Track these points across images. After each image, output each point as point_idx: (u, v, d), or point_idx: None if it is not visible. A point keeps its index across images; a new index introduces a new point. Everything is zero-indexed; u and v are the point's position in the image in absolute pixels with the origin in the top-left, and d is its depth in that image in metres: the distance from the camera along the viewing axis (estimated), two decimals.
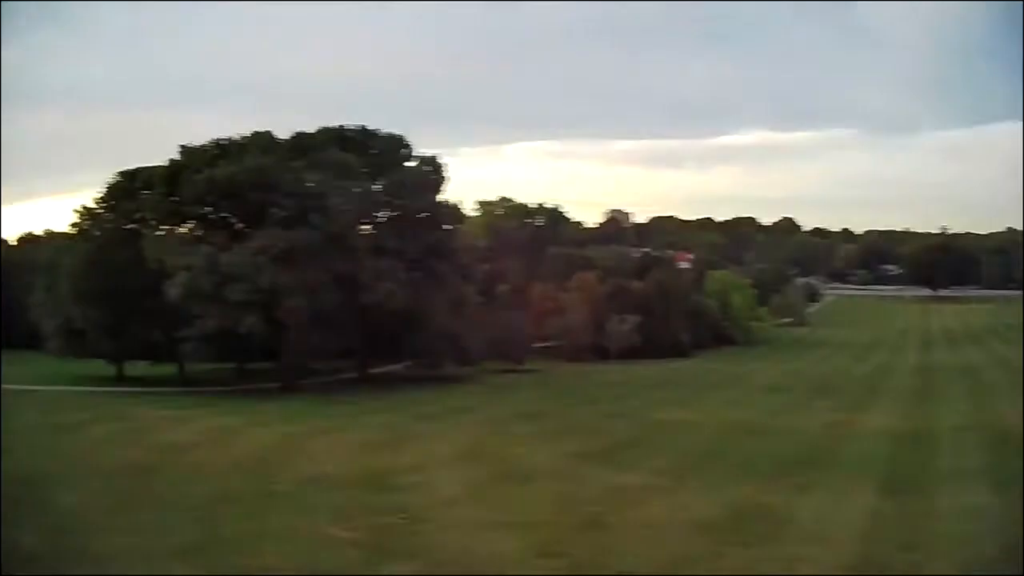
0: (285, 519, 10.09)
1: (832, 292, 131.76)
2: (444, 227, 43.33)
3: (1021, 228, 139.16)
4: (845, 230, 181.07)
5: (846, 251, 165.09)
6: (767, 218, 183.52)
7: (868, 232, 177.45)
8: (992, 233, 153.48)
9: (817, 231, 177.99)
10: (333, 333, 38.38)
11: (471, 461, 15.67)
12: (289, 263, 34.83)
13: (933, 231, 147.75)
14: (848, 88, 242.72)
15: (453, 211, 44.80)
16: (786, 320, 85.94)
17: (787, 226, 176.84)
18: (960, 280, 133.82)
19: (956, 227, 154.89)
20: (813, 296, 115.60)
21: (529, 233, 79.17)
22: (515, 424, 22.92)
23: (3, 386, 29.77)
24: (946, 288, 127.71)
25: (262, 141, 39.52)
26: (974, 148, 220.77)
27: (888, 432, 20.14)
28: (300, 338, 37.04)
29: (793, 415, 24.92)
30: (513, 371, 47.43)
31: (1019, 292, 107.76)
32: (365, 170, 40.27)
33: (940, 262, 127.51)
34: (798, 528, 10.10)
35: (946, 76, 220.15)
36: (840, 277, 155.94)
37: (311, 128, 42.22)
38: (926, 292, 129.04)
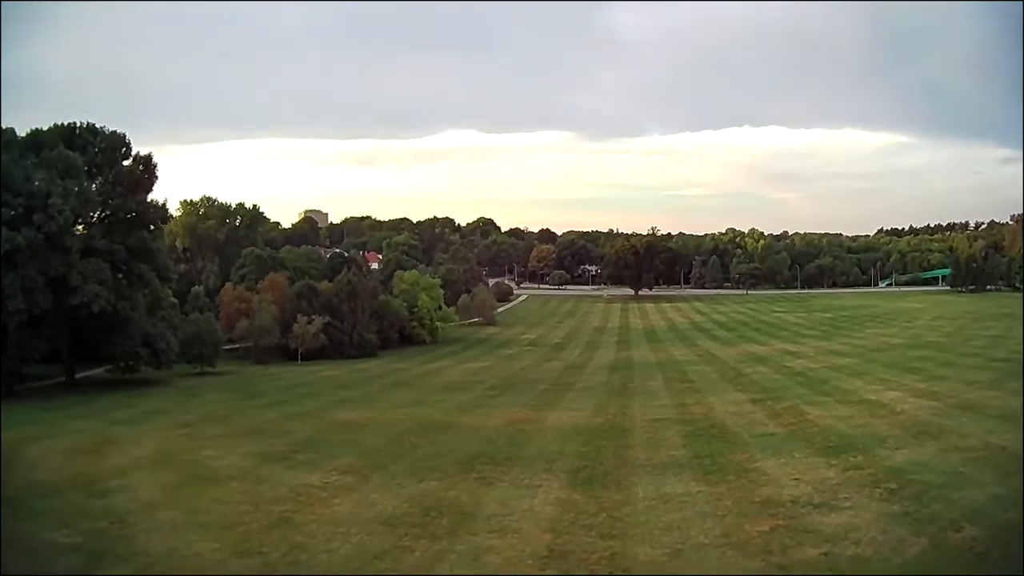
0: (15, 525, 14.05)
1: (526, 292, 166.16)
2: (150, 227, 59.52)
3: (742, 229, 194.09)
4: (544, 230, 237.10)
5: (543, 251, 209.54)
6: (466, 219, 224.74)
7: (568, 232, 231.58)
8: (708, 234, 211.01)
9: (514, 231, 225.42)
10: (45, 337, 52.74)
11: (166, 464, 21.77)
12: (12, 264, 47.24)
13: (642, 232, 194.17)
14: (568, 93, 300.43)
15: (159, 211, 61.24)
16: (475, 320, 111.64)
17: (485, 226, 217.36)
18: (668, 279, 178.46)
19: (671, 228, 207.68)
20: (505, 296, 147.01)
21: (226, 233, 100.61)
22: (206, 426, 30.40)
23: None
24: (650, 287, 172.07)
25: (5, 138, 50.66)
26: (694, 151, 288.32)
27: (575, 427, 26.84)
28: (18, 342, 49.99)
29: (475, 413, 31.92)
30: (204, 373, 64.17)
31: (730, 290, 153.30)
32: (87, 169, 54.59)
33: (644, 262, 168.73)
34: (485, 520, 14.02)
35: (675, 82, 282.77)
36: (537, 277, 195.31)
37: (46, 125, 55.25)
38: (626, 291, 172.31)
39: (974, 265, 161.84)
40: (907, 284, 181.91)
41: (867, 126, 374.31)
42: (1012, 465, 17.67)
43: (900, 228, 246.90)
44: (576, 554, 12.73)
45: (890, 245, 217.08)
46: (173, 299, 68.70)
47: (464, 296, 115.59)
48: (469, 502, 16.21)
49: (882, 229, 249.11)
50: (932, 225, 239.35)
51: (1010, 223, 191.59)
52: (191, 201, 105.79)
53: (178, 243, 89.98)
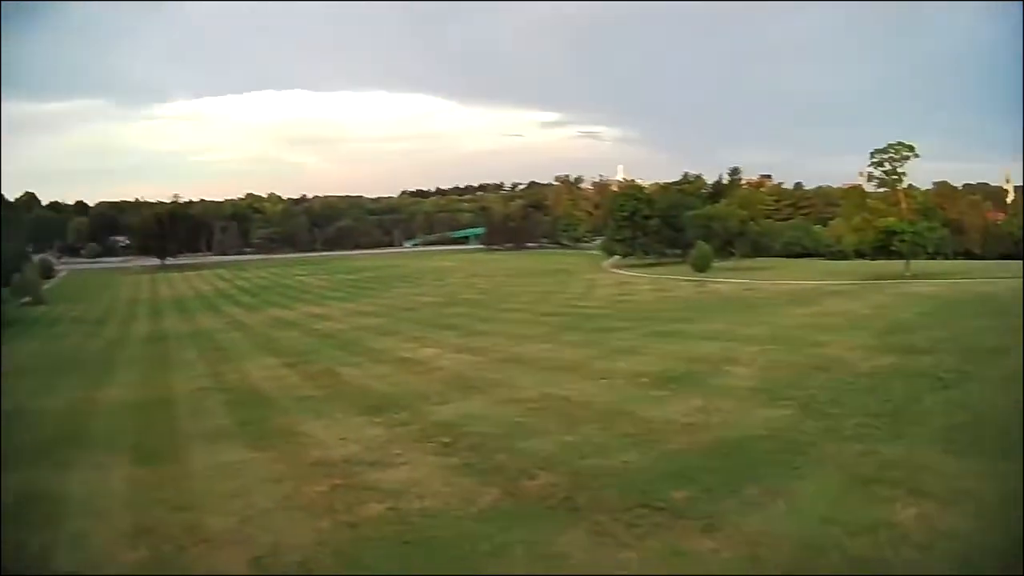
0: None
1: (65, 267, 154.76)
2: None
3: (263, 194, 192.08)
4: (79, 203, 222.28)
5: (78, 224, 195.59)
6: (12, 194, 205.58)
7: (100, 204, 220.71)
8: (228, 200, 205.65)
9: (53, 205, 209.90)
10: None
11: None
12: None
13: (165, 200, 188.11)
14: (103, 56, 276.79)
15: None
16: (26, 299, 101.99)
17: (28, 201, 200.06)
18: (192, 248, 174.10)
19: (192, 195, 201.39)
20: (48, 272, 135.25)
21: None
22: None
23: None
24: (175, 256, 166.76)
25: None
26: (217, 116, 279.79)
27: (124, 403, 26.56)
28: None
29: (44, 397, 29.83)
30: None
31: (252, 255, 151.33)
32: None
33: (168, 231, 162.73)
34: (77, 505, 14.25)
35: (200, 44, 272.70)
36: (74, 251, 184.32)
37: None
38: (155, 261, 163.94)
39: (511, 224, 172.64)
40: (434, 244, 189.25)
41: (398, 89, 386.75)
42: (580, 413, 18.67)
43: (427, 190, 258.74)
44: (159, 530, 12.40)
45: (415, 207, 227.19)
46: None
47: (15, 275, 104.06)
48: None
49: (406, 191, 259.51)
50: (463, 187, 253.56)
51: (554, 183, 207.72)
52: None
53: None
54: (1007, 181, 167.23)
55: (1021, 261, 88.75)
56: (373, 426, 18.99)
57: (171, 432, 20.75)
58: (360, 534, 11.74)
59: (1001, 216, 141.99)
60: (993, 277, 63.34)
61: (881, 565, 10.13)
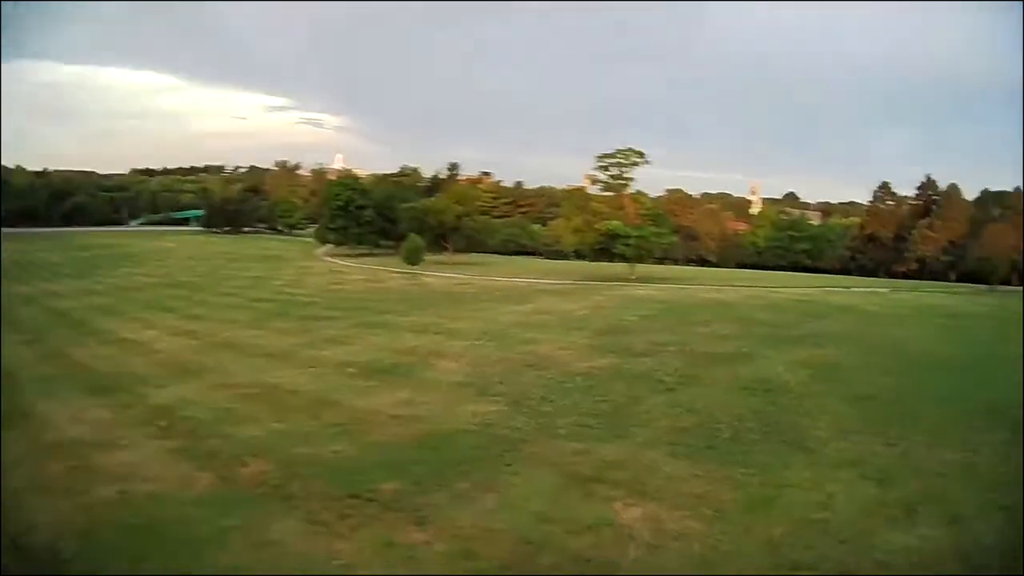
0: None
1: None
2: None
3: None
4: None
5: None
6: None
7: None
8: None
9: None
10: None
11: None
12: None
13: None
14: None
15: None
16: None
17: None
18: None
19: None
20: None
21: None
22: None
23: None
24: None
25: None
26: None
27: None
28: None
29: None
30: None
31: None
32: None
33: None
34: None
35: None
36: None
37: None
38: None
39: (230, 207, 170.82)
40: (159, 224, 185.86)
41: (130, 64, 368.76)
42: (290, 400, 20.66)
43: (154, 168, 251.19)
44: None
45: (141, 185, 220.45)
46: None
47: None
48: None
49: (135, 169, 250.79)
50: (188, 167, 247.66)
51: (274, 168, 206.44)
52: None
53: None
54: (752, 193, 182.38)
55: (759, 270, 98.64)
56: (100, 408, 20.16)
57: None
58: (98, 517, 12.85)
59: (743, 226, 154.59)
60: (725, 284, 68.14)
61: (607, 565, 11.06)
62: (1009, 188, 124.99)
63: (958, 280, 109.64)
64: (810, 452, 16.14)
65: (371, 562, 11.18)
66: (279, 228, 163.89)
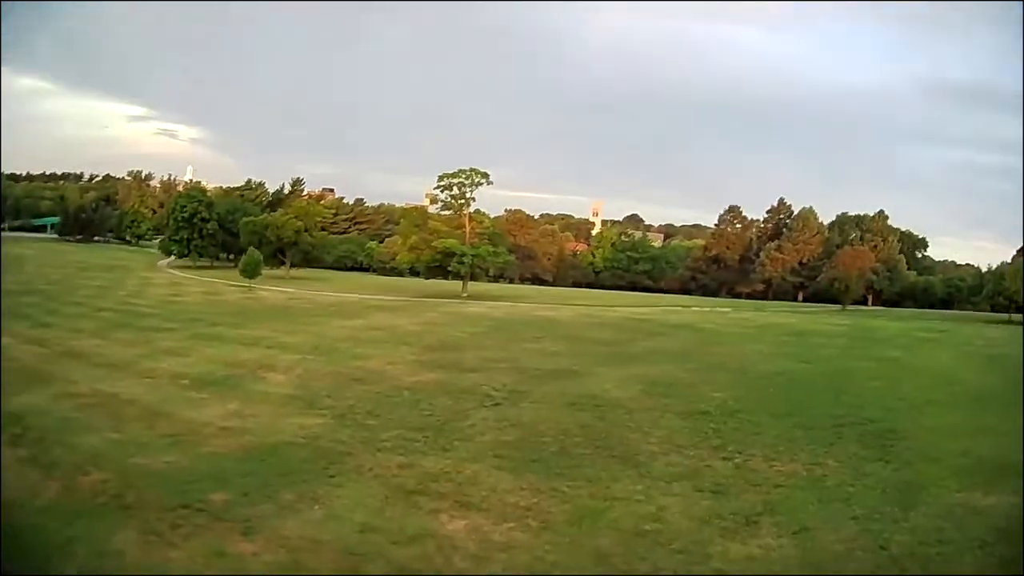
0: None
1: None
2: None
3: None
4: None
5: None
6: None
7: None
8: None
9: None
10: None
11: None
12: None
13: None
14: None
15: None
16: None
17: None
18: None
19: None
20: None
21: None
22: None
23: None
24: None
25: None
26: None
27: None
28: None
29: None
30: None
31: None
32: None
33: None
34: None
35: None
36: None
37: None
38: None
39: (83, 216, 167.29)
40: (19, 229, 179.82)
41: (12, 69, 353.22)
42: (127, 410, 20.89)
43: (18, 174, 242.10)
44: None
45: (7, 190, 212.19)
46: None
47: None
48: None
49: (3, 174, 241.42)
50: (48, 173, 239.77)
51: (127, 178, 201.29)
52: None
53: None
54: (594, 214, 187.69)
55: (596, 290, 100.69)
56: None
57: None
58: None
59: (582, 247, 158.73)
60: (560, 303, 70.59)
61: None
62: (869, 212, 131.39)
63: (808, 300, 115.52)
64: (641, 466, 16.43)
65: (203, 572, 11.32)
66: (127, 238, 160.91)
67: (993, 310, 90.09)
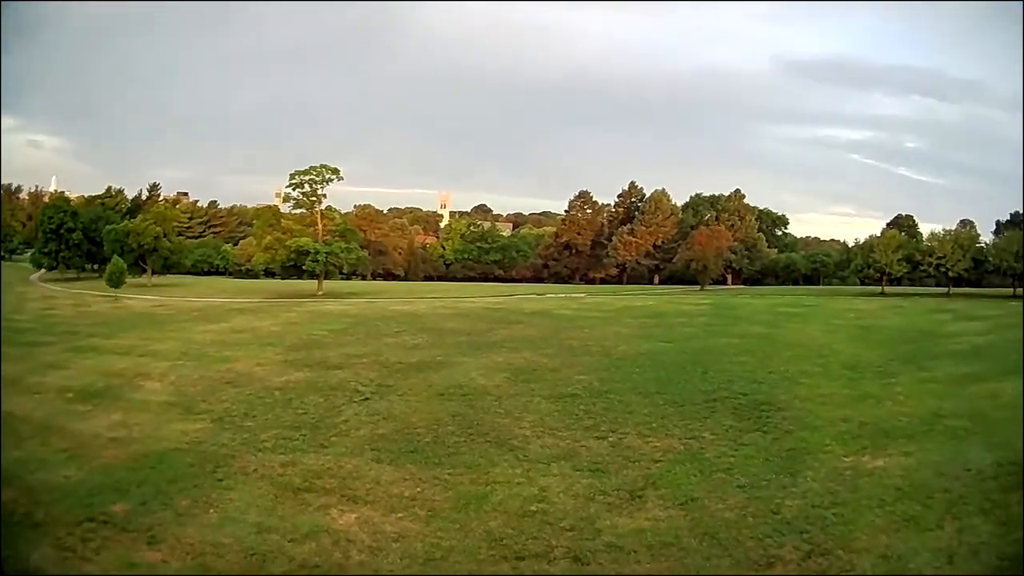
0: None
1: None
2: None
3: None
4: None
5: None
6: None
7: None
8: None
9: None
10: None
11: None
12: None
13: None
14: None
15: None
16: None
17: None
18: None
19: None
20: None
21: None
22: None
23: None
24: None
25: None
26: None
27: None
28: None
29: None
30: None
31: None
32: None
33: None
34: None
35: None
36: None
37: None
38: None
39: None
40: None
41: None
42: (23, 427, 20.98)
43: None
44: None
45: None
46: None
47: None
48: None
49: None
50: None
51: None
52: None
53: None
54: (442, 206, 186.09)
55: (449, 282, 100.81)
56: None
57: None
58: None
59: (432, 240, 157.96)
60: (414, 297, 71.17)
61: (335, 568, 11.86)
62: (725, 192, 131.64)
63: (664, 283, 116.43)
64: (516, 450, 17.54)
65: None
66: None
67: (863, 283, 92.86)
